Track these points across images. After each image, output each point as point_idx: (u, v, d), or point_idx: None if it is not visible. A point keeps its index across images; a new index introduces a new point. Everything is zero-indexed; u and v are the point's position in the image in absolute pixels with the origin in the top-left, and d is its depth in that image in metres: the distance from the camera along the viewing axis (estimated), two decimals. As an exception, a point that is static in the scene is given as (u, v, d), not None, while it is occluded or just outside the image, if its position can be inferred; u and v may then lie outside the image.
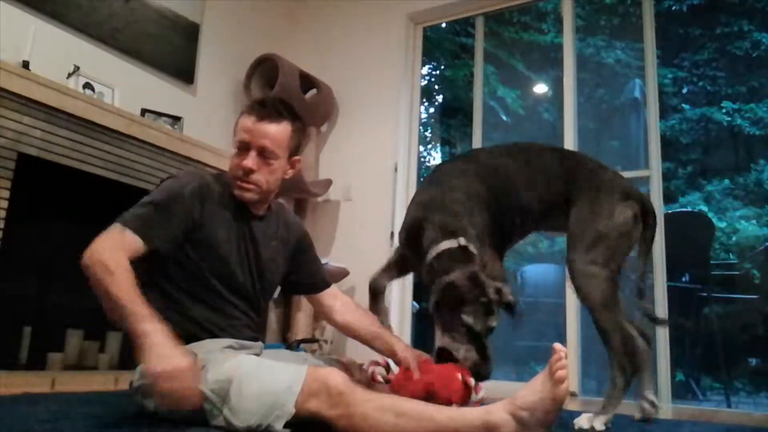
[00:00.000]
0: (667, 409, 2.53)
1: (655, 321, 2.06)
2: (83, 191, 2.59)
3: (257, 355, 1.53)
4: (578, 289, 1.73)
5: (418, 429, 1.20)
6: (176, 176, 1.55)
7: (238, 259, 1.56)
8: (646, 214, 1.80)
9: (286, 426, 1.24)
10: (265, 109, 1.54)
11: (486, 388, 1.58)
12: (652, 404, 1.85)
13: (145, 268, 1.44)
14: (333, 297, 1.80)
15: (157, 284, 1.49)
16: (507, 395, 1.22)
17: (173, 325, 1.36)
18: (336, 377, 1.26)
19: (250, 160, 1.51)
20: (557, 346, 1.20)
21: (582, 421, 1.63)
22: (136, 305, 1.25)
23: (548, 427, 1.20)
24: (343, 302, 1.80)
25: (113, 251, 1.32)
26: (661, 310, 2.76)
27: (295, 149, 1.61)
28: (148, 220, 1.40)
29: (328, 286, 1.81)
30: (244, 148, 1.52)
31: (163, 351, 1.19)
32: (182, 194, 1.46)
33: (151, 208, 1.42)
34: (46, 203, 2.53)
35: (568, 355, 1.27)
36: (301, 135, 1.64)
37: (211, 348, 1.43)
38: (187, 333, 1.42)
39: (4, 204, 2.17)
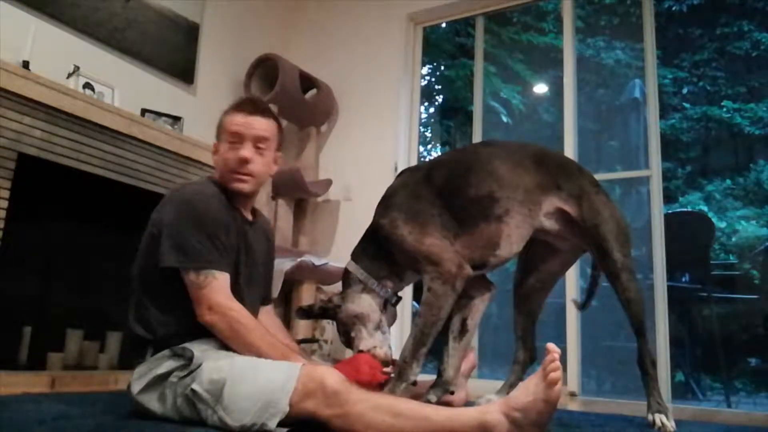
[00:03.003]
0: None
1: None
2: (83, 191, 2.58)
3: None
4: (628, 284, 1.74)
5: (414, 429, 1.20)
6: (197, 193, 1.51)
7: (238, 266, 1.57)
8: None
9: (281, 425, 1.24)
10: (254, 105, 1.62)
11: (485, 387, 1.59)
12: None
13: (155, 272, 1.47)
14: (267, 313, 1.78)
15: (164, 286, 1.48)
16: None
17: (172, 325, 1.42)
18: (332, 377, 1.26)
19: (247, 151, 1.56)
20: (550, 346, 1.19)
21: (667, 423, 1.63)
22: (275, 349, 1.41)
23: (542, 427, 1.20)
24: (274, 322, 1.79)
25: (230, 301, 1.42)
26: (662, 309, 2.76)
27: (280, 144, 1.67)
28: (218, 253, 1.45)
29: (271, 302, 1.84)
30: (237, 140, 1.57)
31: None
32: (219, 218, 1.49)
33: (211, 241, 1.45)
34: (46, 203, 2.53)
35: (567, 354, 1.26)
36: (282, 133, 1.70)
37: (205, 347, 1.43)
38: (186, 333, 1.44)
39: (4, 204, 2.16)
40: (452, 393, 1.73)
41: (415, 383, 1.56)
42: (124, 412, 1.52)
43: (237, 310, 1.42)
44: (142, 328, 1.47)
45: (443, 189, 1.69)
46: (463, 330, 1.76)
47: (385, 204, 1.74)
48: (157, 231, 1.48)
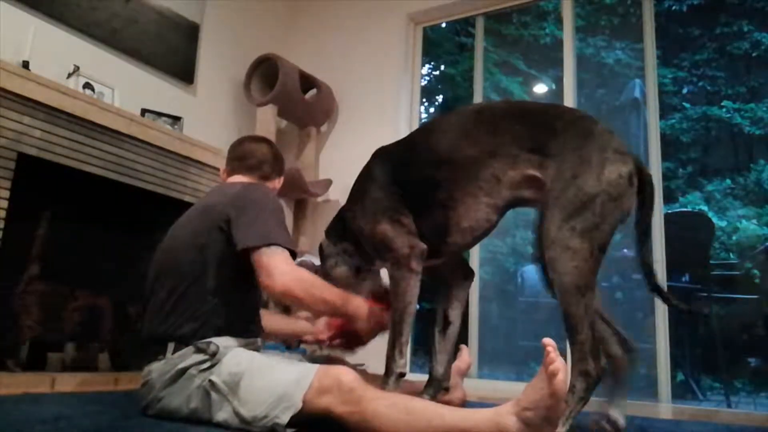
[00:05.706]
0: (667, 409, 2.53)
1: (680, 309, 1.76)
2: (83, 191, 2.59)
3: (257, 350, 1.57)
4: (552, 262, 1.38)
5: (428, 427, 1.21)
6: (266, 190, 1.65)
7: None
8: (642, 175, 1.47)
9: (295, 425, 1.26)
10: None
11: (485, 387, 1.59)
12: (615, 427, 1.56)
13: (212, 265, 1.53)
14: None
15: (210, 278, 1.51)
16: (507, 395, 1.22)
17: (217, 316, 1.48)
18: (348, 375, 1.29)
19: None
20: (546, 340, 1.21)
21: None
22: (341, 295, 1.57)
23: (554, 423, 1.20)
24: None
25: (296, 268, 1.51)
26: (661, 310, 2.76)
27: None
28: (287, 233, 1.57)
29: None
30: None
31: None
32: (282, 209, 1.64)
33: (282, 224, 1.57)
34: (46, 203, 2.53)
35: (567, 354, 1.27)
36: None
37: (228, 344, 1.46)
38: (216, 331, 1.48)
39: (4, 204, 2.17)
40: (446, 389, 1.73)
41: (403, 375, 1.56)
42: (124, 411, 1.52)
43: (305, 274, 1.53)
44: (170, 325, 1.48)
45: (395, 174, 1.64)
46: (447, 322, 1.73)
47: (351, 193, 1.76)
48: (226, 223, 1.53)
